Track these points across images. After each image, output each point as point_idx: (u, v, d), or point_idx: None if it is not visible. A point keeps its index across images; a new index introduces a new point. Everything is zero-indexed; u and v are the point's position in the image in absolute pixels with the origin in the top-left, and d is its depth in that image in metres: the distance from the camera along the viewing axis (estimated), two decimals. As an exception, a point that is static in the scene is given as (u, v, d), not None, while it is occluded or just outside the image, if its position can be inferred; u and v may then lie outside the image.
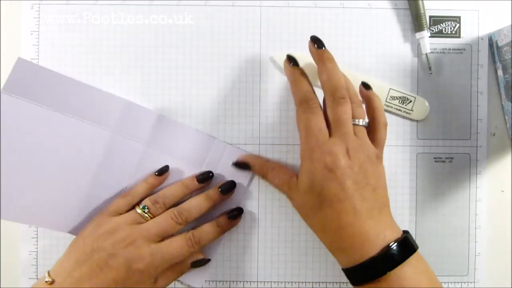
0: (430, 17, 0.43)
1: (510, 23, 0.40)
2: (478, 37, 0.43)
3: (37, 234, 0.42)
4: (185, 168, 0.41)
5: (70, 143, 0.40)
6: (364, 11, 0.43)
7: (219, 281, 0.43)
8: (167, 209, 0.39)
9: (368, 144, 0.35)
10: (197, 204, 0.39)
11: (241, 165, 0.41)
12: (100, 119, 0.40)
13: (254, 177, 0.42)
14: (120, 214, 0.38)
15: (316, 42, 0.36)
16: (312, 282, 0.43)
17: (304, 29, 0.43)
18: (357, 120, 0.36)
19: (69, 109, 0.40)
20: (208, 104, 0.42)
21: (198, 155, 0.42)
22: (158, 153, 0.41)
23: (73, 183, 0.40)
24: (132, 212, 0.38)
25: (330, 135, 0.35)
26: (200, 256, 0.40)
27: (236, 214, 0.41)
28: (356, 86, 0.39)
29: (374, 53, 0.43)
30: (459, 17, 0.43)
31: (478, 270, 0.43)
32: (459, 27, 0.43)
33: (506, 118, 0.43)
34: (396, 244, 0.32)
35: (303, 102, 0.36)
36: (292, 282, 0.43)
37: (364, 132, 0.36)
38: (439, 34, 0.43)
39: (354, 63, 0.43)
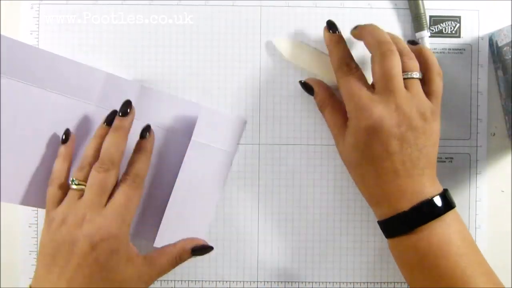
0: (430, 17, 0.43)
1: (510, 23, 0.40)
2: (478, 37, 0.43)
3: (37, 234, 0.42)
4: (172, 137, 0.41)
5: (54, 118, 0.39)
6: (364, 11, 0.43)
7: (219, 281, 0.43)
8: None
9: (422, 98, 0.34)
10: (110, 142, 0.36)
11: (307, 86, 0.40)
12: (82, 93, 0.39)
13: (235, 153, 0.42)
14: (58, 204, 0.36)
15: (355, 28, 0.39)
16: (312, 282, 0.43)
17: (304, 29, 0.43)
18: (410, 73, 0.34)
19: (50, 84, 0.39)
20: (208, 105, 0.42)
21: (185, 123, 0.41)
22: (143, 124, 0.40)
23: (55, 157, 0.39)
24: (69, 193, 0.36)
25: (378, 92, 0.34)
26: (201, 242, 0.39)
27: (145, 134, 0.38)
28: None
29: (374, 53, 0.43)
30: (459, 17, 0.43)
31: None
32: (459, 27, 0.43)
33: (506, 118, 0.43)
34: (427, 199, 0.32)
35: (342, 65, 0.36)
36: (292, 282, 0.43)
37: (418, 85, 0.35)
38: (439, 34, 0.43)
39: (354, 63, 0.43)
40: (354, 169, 0.36)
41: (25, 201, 0.40)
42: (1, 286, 0.43)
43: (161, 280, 0.42)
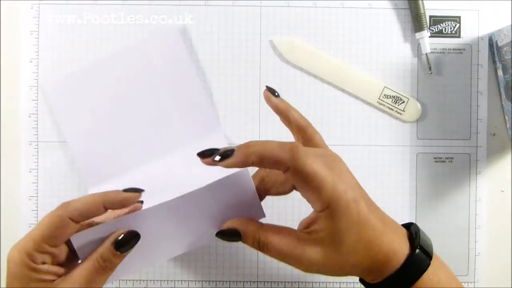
0: (430, 17, 0.43)
1: (510, 23, 0.40)
2: (478, 37, 0.43)
3: (37, 234, 0.42)
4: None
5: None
6: (364, 11, 0.43)
7: (219, 281, 0.43)
8: None
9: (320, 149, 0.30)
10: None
11: (229, 233, 0.30)
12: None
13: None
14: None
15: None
16: (312, 282, 0.43)
17: (304, 29, 0.43)
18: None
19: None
20: (208, 104, 0.42)
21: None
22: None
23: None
24: None
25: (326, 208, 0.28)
26: (121, 231, 0.29)
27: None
28: (355, 82, 0.39)
29: (374, 53, 0.43)
30: (459, 17, 0.43)
31: (478, 270, 0.43)
32: (459, 27, 0.43)
33: (506, 118, 0.43)
34: (411, 261, 0.28)
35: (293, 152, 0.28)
36: (292, 282, 0.43)
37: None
38: (439, 34, 0.43)
39: (354, 63, 0.43)
40: (352, 271, 0.30)
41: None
42: (1, 286, 0.43)
43: (161, 280, 0.42)
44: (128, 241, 0.29)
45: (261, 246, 0.29)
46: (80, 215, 0.28)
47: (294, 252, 0.28)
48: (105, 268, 0.29)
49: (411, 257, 0.28)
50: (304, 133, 0.32)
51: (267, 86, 0.33)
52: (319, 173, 0.27)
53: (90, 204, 0.29)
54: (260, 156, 0.27)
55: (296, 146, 0.28)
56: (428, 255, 0.29)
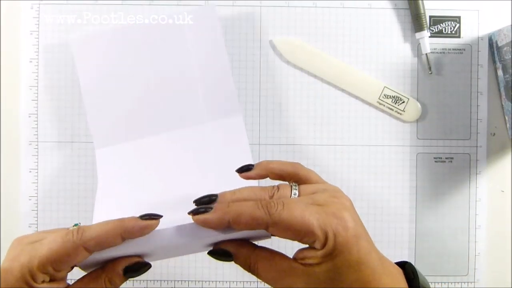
0: (430, 17, 0.43)
1: (510, 23, 0.40)
2: (478, 37, 0.43)
3: (37, 234, 0.42)
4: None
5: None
6: (364, 11, 0.43)
7: (219, 281, 0.42)
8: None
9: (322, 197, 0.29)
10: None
11: (221, 253, 0.30)
12: None
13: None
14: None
15: (199, 205, 0.29)
16: (312, 282, 0.43)
17: (304, 29, 0.43)
18: (292, 193, 0.29)
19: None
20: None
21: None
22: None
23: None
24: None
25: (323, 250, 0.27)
26: (134, 260, 0.29)
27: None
28: (353, 86, 0.39)
29: (374, 53, 0.43)
30: (459, 17, 0.43)
31: (478, 270, 0.43)
32: (459, 27, 0.43)
33: (506, 118, 0.43)
34: None
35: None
36: (292, 282, 0.43)
37: (304, 193, 0.30)
38: (439, 34, 0.43)
39: (354, 63, 0.43)
40: None
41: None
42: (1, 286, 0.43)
43: (161, 280, 0.42)
44: (139, 269, 0.29)
45: (252, 270, 0.29)
46: (96, 245, 0.27)
47: (283, 280, 0.28)
48: None
49: None
50: (297, 177, 0.31)
51: (237, 170, 0.32)
52: (300, 219, 0.26)
53: (107, 234, 0.27)
54: (236, 218, 0.27)
55: (269, 202, 0.27)
56: None
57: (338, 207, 0.28)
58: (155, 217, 0.29)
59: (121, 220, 0.28)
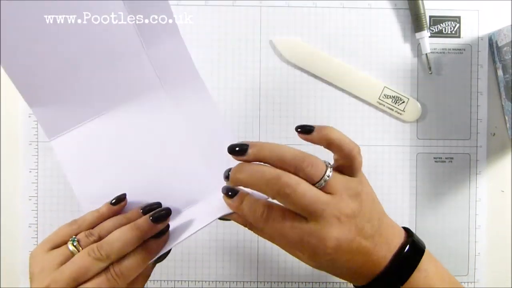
0: (430, 17, 0.43)
1: (510, 23, 0.40)
2: (478, 37, 0.43)
3: (37, 234, 0.42)
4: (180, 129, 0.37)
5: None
6: (364, 11, 0.43)
7: (219, 281, 0.43)
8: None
9: (346, 187, 0.31)
10: (120, 235, 0.31)
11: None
12: None
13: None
14: (62, 245, 0.32)
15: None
16: (312, 282, 0.43)
17: (304, 29, 0.43)
18: (322, 180, 0.30)
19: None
20: (208, 104, 0.42)
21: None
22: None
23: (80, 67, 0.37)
24: (62, 247, 0.31)
25: (311, 220, 0.29)
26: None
27: (162, 232, 0.32)
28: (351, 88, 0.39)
29: (374, 53, 0.43)
30: (459, 17, 0.43)
31: (478, 270, 0.43)
32: (459, 27, 0.43)
33: (506, 118, 0.43)
34: (402, 256, 0.30)
35: (266, 220, 0.31)
36: (292, 282, 0.43)
37: (335, 178, 0.31)
38: (439, 34, 0.43)
39: (354, 63, 0.43)
40: (335, 275, 0.32)
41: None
42: (1, 286, 0.43)
43: (161, 280, 0.42)
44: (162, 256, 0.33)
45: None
46: (135, 272, 0.31)
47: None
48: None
49: (409, 243, 0.31)
50: (348, 160, 0.31)
51: (297, 128, 0.32)
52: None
53: (130, 249, 0.31)
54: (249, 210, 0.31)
55: (281, 187, 0.29)
56: (421, 246, 0.31)
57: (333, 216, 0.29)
58: (164, 213, 0.32)
59: (139, 230, 0.31)
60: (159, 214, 0.32)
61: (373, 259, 0.31)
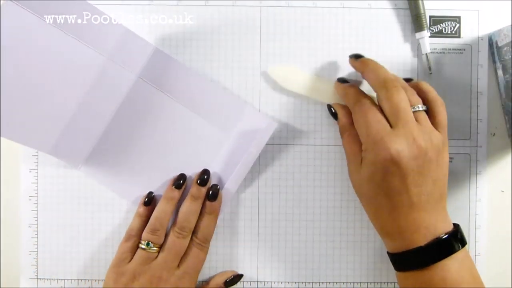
0: (430, 17, 0.43)
1: (510, 23, 0.40)
2: (478, 37, 0.43)
3: (37, 234, 0.42)
4: (175, 106, 0.41)
5: (64, 62, 0.38)
6: (364, 11, 0.43)
7: (219, 281, 0.43)
8: (166, 230, 0.39)
9: (432, 130, 0.34)
10: (189, 210, 0.39)
11: (332, 111, 0.40)
12: (96, 43, 0.39)
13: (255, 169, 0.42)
14: (129, 259, 0.39)
15: (356, 56, 0.39)
16: (312, 282, 0.43)
17: (304, 29, 0.43)
18: (416, 106, 0.35)
19: (67, 26, 0.38)
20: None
21: (192, 94, 0.41)
22: (149, 87, 0.41)
23: (60, 102, 0.39)
24: (138, 252, 0.38)
25: (391, 126, 0.34)
26: (230, 274, 0.42)
27: (215, 193, 0.40)
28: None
29: (374, 53, 0.43)
30: (459, 17, 0.43)
31: (478, 270, 0.43)
32: (459, 27, 0.43)
33: (506, 118, 0.43)
34: (444, 237, 0.33)
35: (356, 102, 0.36)
36: (292, 282, 0.43)
37: (426, 117, 0.35)
38: (439, 34, 0.43)
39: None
40: (368, 201, 0.35)
41: (24, 140, 0.38)
42: (1, 286, 0.43)
43: (161, 280, 0.42)
44: (235, 281, 0.42)
45: (341, 133, 0.40)
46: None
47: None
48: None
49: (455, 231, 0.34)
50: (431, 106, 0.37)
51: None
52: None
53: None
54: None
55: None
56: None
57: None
58: (204, 175, 0.40)
59: (195, 197, 0.39)
60: (201, 177, 0.40)
61: (417, 218, 0.33)
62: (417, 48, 0.43)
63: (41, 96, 0.38)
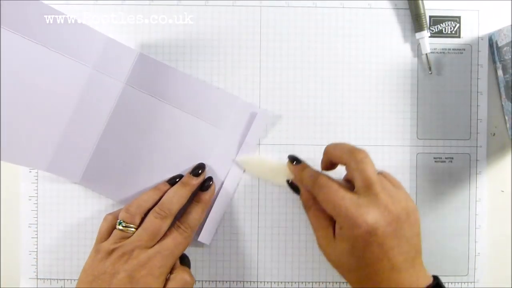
0: (430, 17, 0.43)
1: (510, 23, 0.40)
2: (478, 37, 0.43)
3: (37, 234, 0.42)
4: (166, 109, 0.41)
5: (50, 77, 0.39)
6: (364, 11, 0.43)
7: (219, 281, 0.43)
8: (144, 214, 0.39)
9: (396, 192, 0.34)
10: (174, 193, 0.39)
11: (293, 186, 0.40)
12: (80, 54, 0.39)
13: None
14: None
15: (295, 159, 0.40)
16: (312, 282, 0.43)
17: (304, 29, 0.43)
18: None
19: (50, 41, 0.38)
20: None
21: (178, 93, 0.41)
22: (138, 93, 0.41)
23: (51, 118, 0.39)
24: (114, 231, 0.38)
25: (362, 195, 0.33)
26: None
27: (208, 184, 0.41)
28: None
29: (374, 53, 0.43)
30: (459, 17, 0.43)
31: (478, 270, 0.43)
32: (459, 27, 0.43)
33: (506, 118, 0.43)
34: None
35: (313, 184, 0.36)
36: (292, 282, 0.43)
37: (386, 180, 0.35)
38: (439, 34, 0.43)
39: (354, 63, 0.43)
40: (349, 272, 0.35)
41: (6, 157, 0.39)
42: (1, 286, 0.43)
43: (161, 280, 0.42)
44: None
45: (306, 209, 0.38)
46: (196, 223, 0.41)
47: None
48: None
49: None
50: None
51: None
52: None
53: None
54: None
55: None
56: None
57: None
58: (199, 167, 0.41)
59: (185, 184, 0.40)
60: (195, 170, 0.40)
61: (399, 278, 0.33)
62: (417, 48, 0.43)
63: (32, 115, 0.39)
